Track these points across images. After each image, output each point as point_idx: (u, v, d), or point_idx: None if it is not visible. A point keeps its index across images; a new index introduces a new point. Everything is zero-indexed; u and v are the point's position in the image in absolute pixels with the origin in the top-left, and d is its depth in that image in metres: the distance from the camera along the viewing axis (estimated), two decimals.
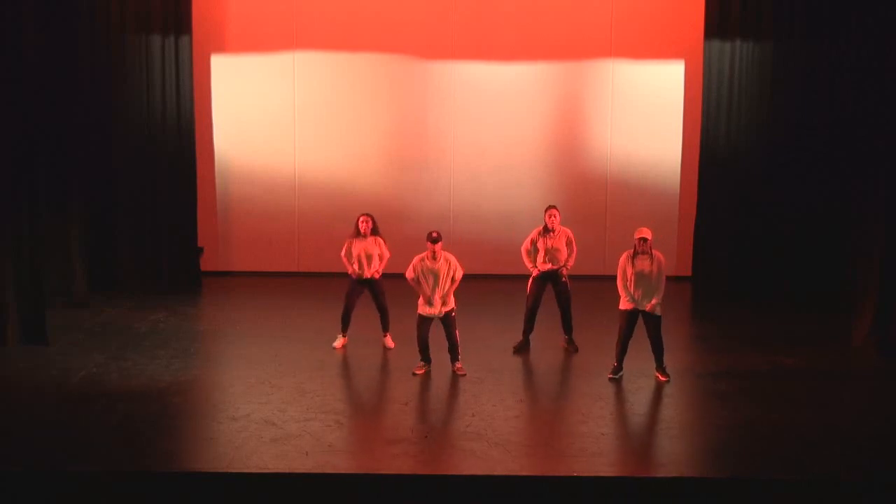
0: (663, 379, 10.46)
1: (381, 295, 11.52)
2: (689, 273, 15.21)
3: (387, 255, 11.52)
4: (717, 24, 14.39)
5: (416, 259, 10.60)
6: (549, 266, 11.38)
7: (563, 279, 11.44)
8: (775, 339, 12.23)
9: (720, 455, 8.68)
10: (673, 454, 8.71)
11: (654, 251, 10.43)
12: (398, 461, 8.45)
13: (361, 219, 11.50)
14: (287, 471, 8.19)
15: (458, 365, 10.69)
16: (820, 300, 13.73)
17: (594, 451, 8.63)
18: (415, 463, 8.39)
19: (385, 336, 11.63)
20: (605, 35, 15.17)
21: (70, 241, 13.46)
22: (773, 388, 10.35)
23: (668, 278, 15.37)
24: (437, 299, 10.55)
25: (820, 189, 14.09)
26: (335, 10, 15.21)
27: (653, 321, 10.48)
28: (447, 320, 10.65)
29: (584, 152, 15.46)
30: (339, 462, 8.43)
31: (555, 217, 11.33)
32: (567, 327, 11.55)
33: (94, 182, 14.15)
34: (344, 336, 11.58)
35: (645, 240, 10.36)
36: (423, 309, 10.61)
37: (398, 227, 14.73)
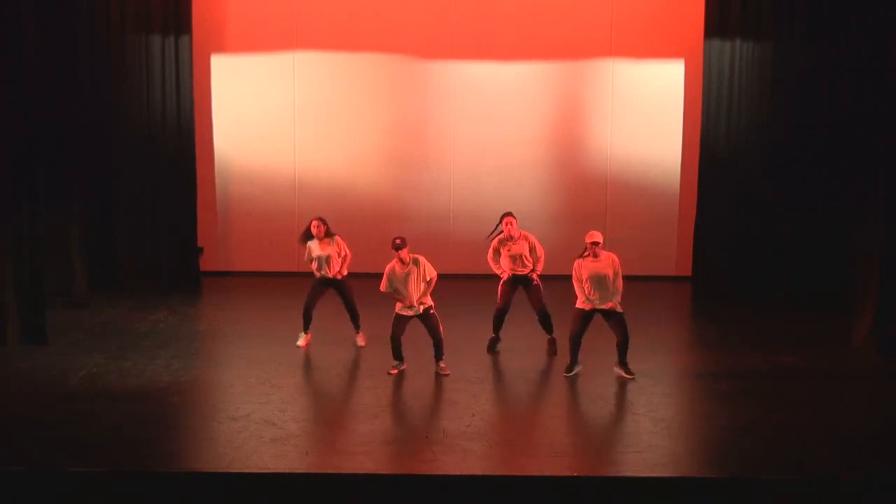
0: (627, 377, 10.44)
1: (348, 294, 11.54)
2: (689, 273, 15.21)
3: (349, 254, 11.54)
4: (717, 24, 14.39)
5: (386, 269, 10.58)
6: (519, 271, 11.36)
7: (535, 282, 11.41)
8: (775, 339, 12.22)
9: (720, 455, 8.68)
10: (673, 454, 8.70)
11: (607, 253, 10.42)
12: (398, 461, 8.45)
13: (314, 223, 11.50)
14: (287, 471, 8.19)
15: (443, 364, 10.67)
16: (820, 300, 13.73)
17: (594, 451, 8.63)
18: (415, 463, 8.39)
19: (357, 334, 11.67)
20: (605, 35, 15.17)
21: (70, 241, 13.46)
22: (773, 388, 10.35)
23: (668, 278, 15.64)
24: (416, 303, 10.56)
25: (820, 189, 14.09)
26: (335, 10, 15.21)
27: (615, 317, 10.46)
28: (428, 318, 10.63)
29: (584, 152, 15.46)
30: (339, 462, 8.43)
31: (511, 225, 11.26)
32: (547, 328, 11.50)
33: (94, 182, 14.15)
34: (307, 333, 11.61)
35: (596, 243, 10.35)
36: (402, 309, 10.63)
37: (398, 227, 14.72)
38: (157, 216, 14.75)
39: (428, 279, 10.57)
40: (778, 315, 13.46)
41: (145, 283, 14.53)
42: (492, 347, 11.52)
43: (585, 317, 10.54)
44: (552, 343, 11.42)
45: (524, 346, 11.65)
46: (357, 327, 11.68)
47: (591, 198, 15.41)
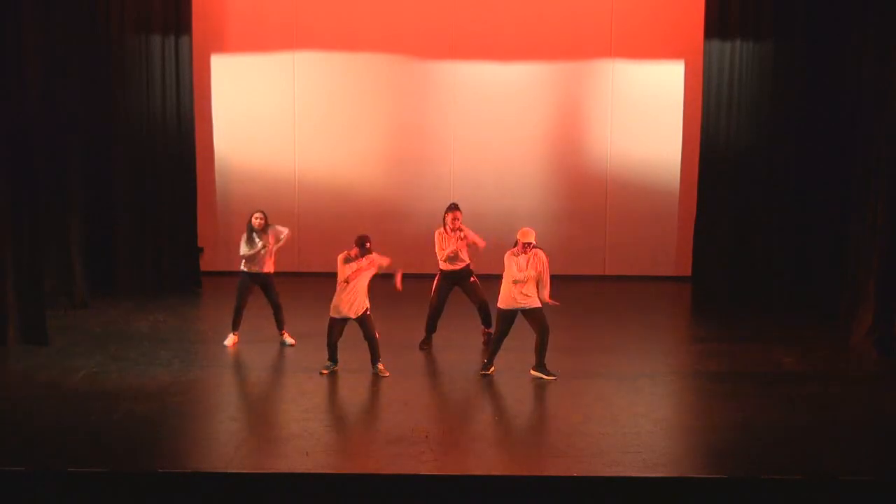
0: (548, 378, 10.42)
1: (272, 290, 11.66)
2: (689, 273, 15.21)
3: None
4: (717, 24, 14.39)
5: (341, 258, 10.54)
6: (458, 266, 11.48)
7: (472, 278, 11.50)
8: (775, 338, 12.22)
9: (720, 455, 8.67)
10: (673, 454, 8.71)
11: (537, 251, 10.36)
12: (398, 461, 8.45)
13: (256, 216, 11.55)
14: (287, 471, 8.19)
15: (381, 366, 10.60)
16: (819, 300, 13.72)
17: (594, 451, 8.62)
18: (415, 463, 8.38)
19: (282, 333, 11.72)
20: (605, 35, 15.17)
21: (70, 242, 13.46)
22: (773, 388, 10.35)
23: (668, 278, 15.63)
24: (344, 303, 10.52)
25: (819, 189, 14.07)
26: (335, 10, 15.22)
27: (534, 314, 10.41)
28: (364, 321, 10.56)
29: (584, 152, 15.46)
30: (339, 462, 8.43)
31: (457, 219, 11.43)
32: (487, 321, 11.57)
33: (94, 182, 14.15)
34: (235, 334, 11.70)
35: (530, 243, 10.30)
36: (334, 311, 10.55)
37: (398, 226, 14.77)
38: (157, 216, 14.74)
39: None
40: (777, 315, 13.46)
41: (145, 283, 14.53)
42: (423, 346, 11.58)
43: (510, 318, 10.47)
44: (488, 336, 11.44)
45: (520, 346, 11.64)
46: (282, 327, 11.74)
47: (591, 198, 15.41)
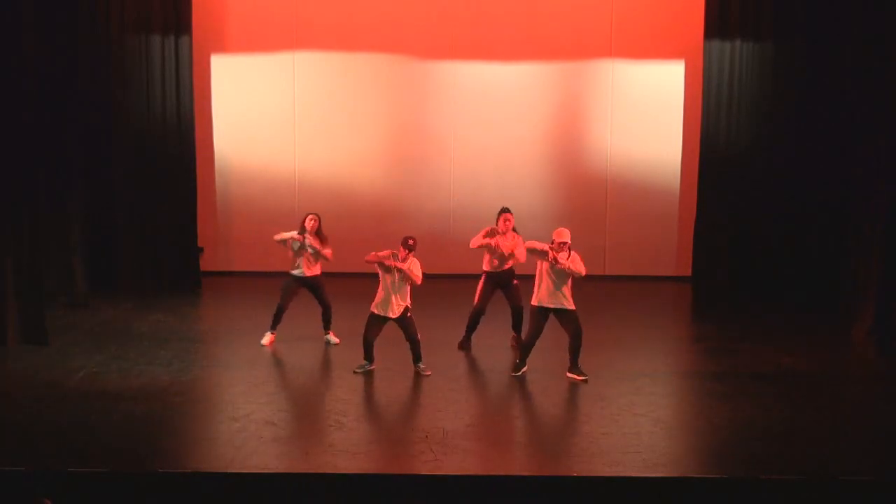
0: (581, 378, 10.42)
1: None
2: (689, 273, 15.20)
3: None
4: (717, 24, 14.39)
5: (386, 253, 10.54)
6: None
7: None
8: (775, 339, 12.22)
9: (720, 455, 8.68)
10: (673, 454, 8.71)
11: (573, 252, 10.42)
12: (398, 461, 8.45)
13: (310, 217, 11.63)
14: (287, 471, 8.20)
15: (422, 366, 10.65)
16: (819, 299, 13.72)
17: (594, 451, 8.62)
18: (415, 463, 8.39)
19: (327, 333, 11.78)
20: (605, 35, 15.17)
21: (70, 241, 13.46)
22: (773, 388, 10.35)
23: (668, 278, 15.63)
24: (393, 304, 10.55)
25: (819, 189, 14.08)
26: (335, 10, 15.21)
27: (568, 315, 10.44)
28: (404, 321, 10.61)
29: (584, 152, 15.46)
30: (339, 462, 8.43)
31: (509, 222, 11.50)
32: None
33: (94, 182, 14.15)
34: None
35: (565, 242, 10.33)
36: (376, 308, 10.55)
37: (398, 227, 14.70)
38: (157, 216, 14.74)
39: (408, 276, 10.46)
40: (777, 315, 13.46)
41: (145, 283, 14.52)
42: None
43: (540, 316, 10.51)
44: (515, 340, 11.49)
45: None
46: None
47: (591, 198, 15.41)
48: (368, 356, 10.61)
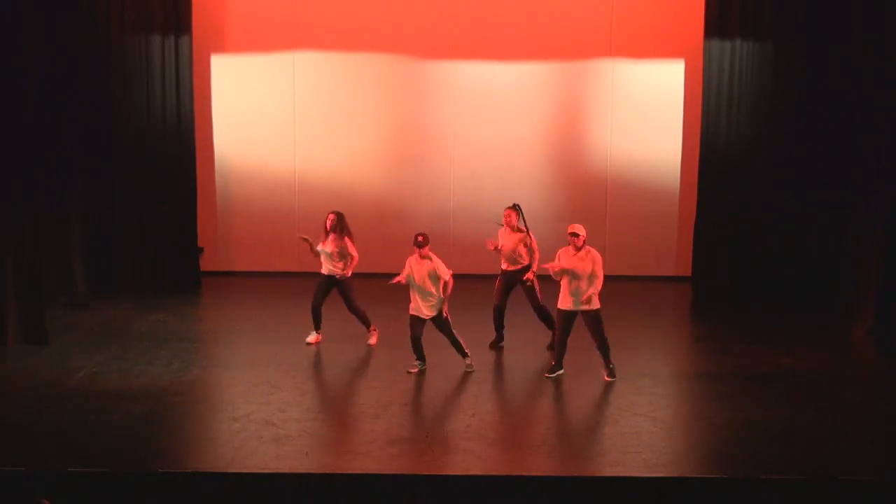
0: (610, 379, 10.46)
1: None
2: (689, 273, 15.19)
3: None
4: (717, 24, 14.37)
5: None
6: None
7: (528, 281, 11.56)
8: (775, 339, 12.22)
9: (720, 455, 8.68)
10: (673, 454, 8.71)
11: (590, 248, 10.48)
12: (398, 461, 8.45)
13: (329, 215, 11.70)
14: (287, 471, 8.20)
15: (469, 361, 10.77)
16: (820, 300, 13.72)
17: (594, 451, 8.63)
18: (415, 463, 8.39)
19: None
20: (605, 35, 15.17)
21: (70, 241, 13.46)
22: (773, 388, 10.35)
23: (668, 278, 15.63)
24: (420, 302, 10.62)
25: (819, 189, 14.07)
26: (335, 10, 15.21)
27: (590, 316, 10.50)
28: (441, 321, 10.69)
29: (584, 152, 15.46)
30: (339, 462, 8.43)
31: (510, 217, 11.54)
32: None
33: (94, 182, 14.15)
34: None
35: (576, 234, 10.39)
36: (414, 310, 10.64)
37: (398, 227, 14.74)
38: (157, 216, 14.73)
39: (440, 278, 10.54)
40: (777, 315, 13.45)
41: (145, 283, 14.52)
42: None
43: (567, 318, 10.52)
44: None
45: (524, 344, 11.66)
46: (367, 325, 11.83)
47: (591, 198, 15.40)
48: (418, 354, 10.70)
